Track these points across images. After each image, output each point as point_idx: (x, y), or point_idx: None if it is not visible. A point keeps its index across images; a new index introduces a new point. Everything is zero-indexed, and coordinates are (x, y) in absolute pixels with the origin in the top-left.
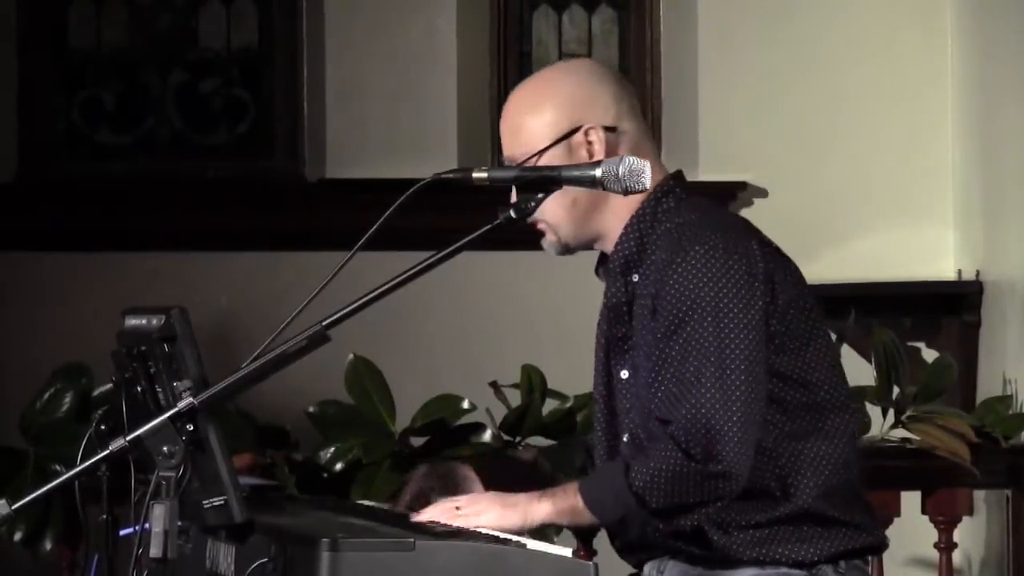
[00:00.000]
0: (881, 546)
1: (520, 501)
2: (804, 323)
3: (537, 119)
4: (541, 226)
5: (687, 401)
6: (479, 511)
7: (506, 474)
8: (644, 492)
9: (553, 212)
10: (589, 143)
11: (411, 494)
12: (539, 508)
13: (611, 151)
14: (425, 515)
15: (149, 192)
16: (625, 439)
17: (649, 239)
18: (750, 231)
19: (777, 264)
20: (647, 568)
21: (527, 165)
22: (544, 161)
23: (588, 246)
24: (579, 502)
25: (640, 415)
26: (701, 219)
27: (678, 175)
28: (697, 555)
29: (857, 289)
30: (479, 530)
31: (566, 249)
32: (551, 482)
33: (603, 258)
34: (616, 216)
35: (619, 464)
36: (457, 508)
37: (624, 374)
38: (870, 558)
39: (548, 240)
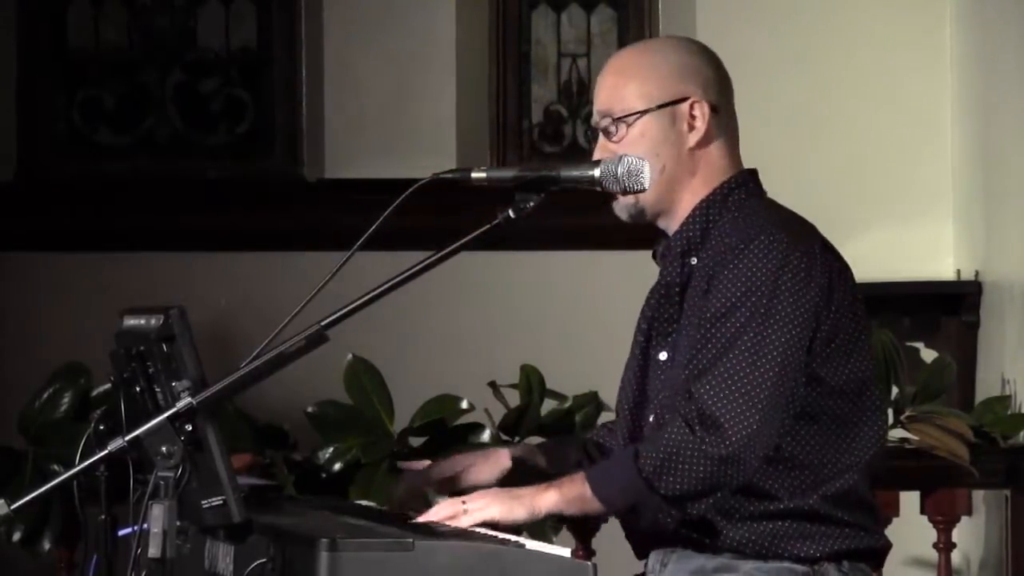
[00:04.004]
0: (883, 550)
1: (526, 493)
2: (853, 331)
3: (643, 80)
4: None
5: (710, 385)
6: (486, 505)
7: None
8: (652, 476)
9: None
10: (693, 117)
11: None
12: (546, 498)
13: (711, 130)
14: (431, 515)
15: (149, 192)
16: (651, 420)
17: (715, 225)
18: (815, 233)
19: (836, 270)
20: (651, 558)
21: (622, 122)
22: (639, 126)
23: (657, 217)
24: (587, 490)
25: (669, 396)
26: (769, 214)
27: (753, 172)
28: (701, 545)
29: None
30: (479, 529)
31: (640, 214)
32: (546, 479)
33: (661, 240)
34: (691, 195)
35: (628, 451)
36: (463, 504)
37: (663, 355)
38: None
39: (624, 202)
